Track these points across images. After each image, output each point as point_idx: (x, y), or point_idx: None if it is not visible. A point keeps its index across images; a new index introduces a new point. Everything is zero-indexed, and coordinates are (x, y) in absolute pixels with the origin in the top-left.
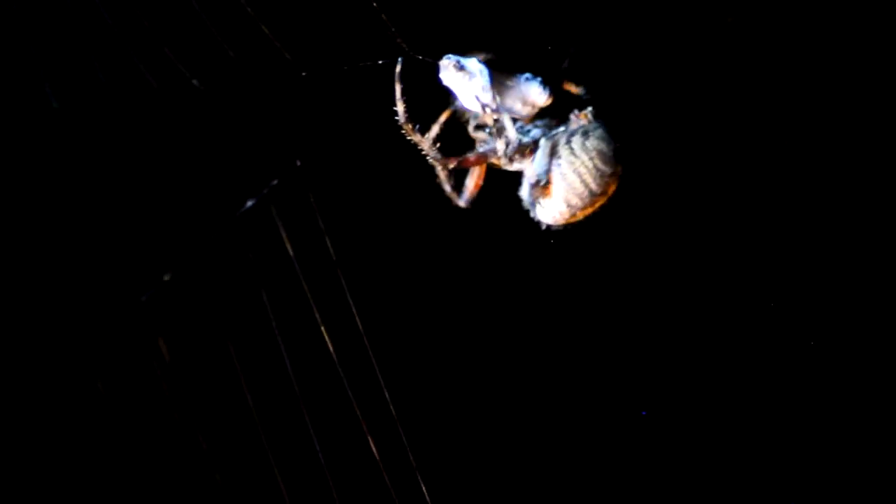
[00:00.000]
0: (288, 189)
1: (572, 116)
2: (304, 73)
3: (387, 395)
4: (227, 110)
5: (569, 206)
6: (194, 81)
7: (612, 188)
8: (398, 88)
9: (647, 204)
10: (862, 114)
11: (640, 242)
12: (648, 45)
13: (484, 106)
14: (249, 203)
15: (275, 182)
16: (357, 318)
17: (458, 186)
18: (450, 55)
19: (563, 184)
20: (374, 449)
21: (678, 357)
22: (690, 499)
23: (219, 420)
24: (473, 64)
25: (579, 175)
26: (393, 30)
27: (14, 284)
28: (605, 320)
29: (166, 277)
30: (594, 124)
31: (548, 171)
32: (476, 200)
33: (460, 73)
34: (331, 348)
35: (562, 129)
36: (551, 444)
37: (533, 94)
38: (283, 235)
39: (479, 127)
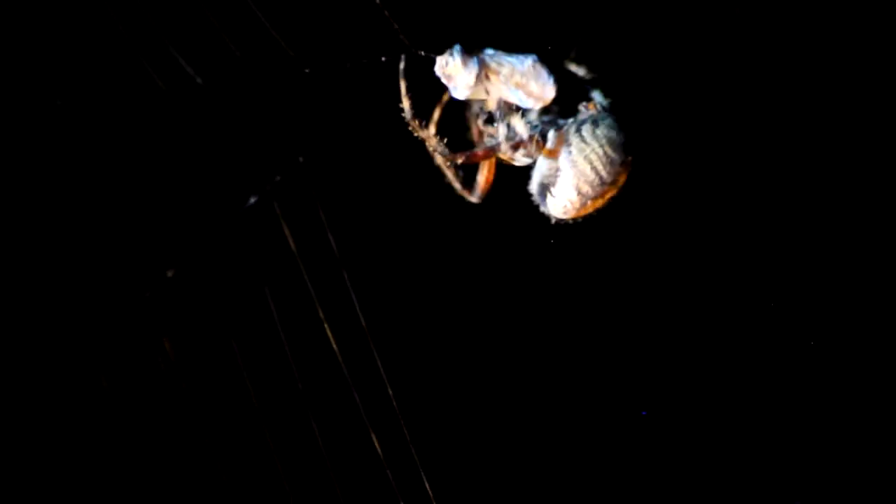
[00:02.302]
0: (291, 185)
1: (581, 107)
2: (307, 70)
3: (390, 392)
4: (230, 107)
5: (579, 194)
6: (198, 79)
7: (623, 178)
8: (403, 85)
9: (649, 203)
10: (863, 114)
11: (643, 241)
12: (654, 38)
13: (492, 99)
14: (252, 199)
15: (278, 178)
16: (360, 315)
17: (469, 182)
18: (451, 51)
19: (574, 171)
20: (377, 446)
21: (678, 357)
22: (690, 499)
23: (222, 417)
24: (461, 57)
25: (590, 162)
26: (396, 27)
27: (16, 281)
28: (606, 320)
29: (170, 273)
30: (603, 114)
31: (557, 163)
32: (489, 195)
33: (454, 66)
34: (334, 345)
35: (570, 119)
36: (551, 444)
37: (540, 84)
38: (286, 231)
39: (489, 120)
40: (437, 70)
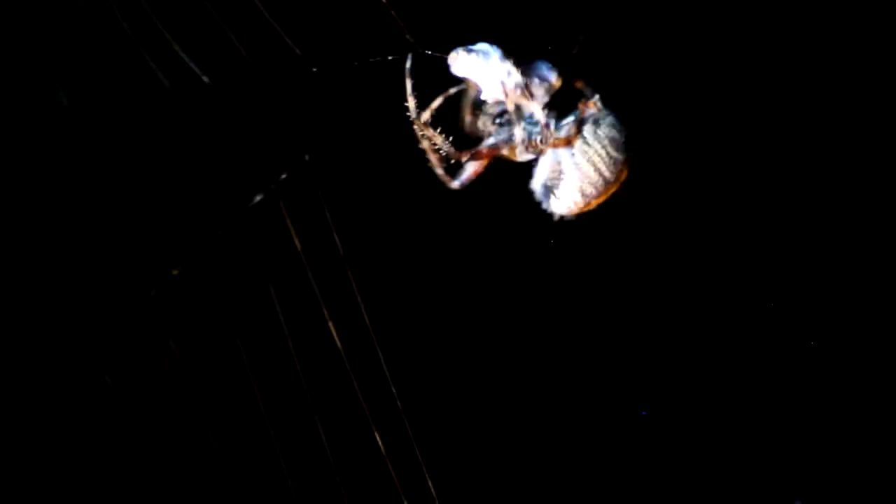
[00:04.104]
0: (296, 183)
1: (580, 106)
2: (314, 69)
3: (394, 390)
4: (236, 106)
5: (583, 195)
6: (204, 78)
7: (624, 175)
8: (409, 84)
9: (650, 201)
10: (863, 113)
11: (642, 241)
12: (656, 36)
13: (506, 86)
14: (258, 198)
15: (283, 176)
16: (365, 313)
17: (453, 169)
18: (458, 47)
19: (578, 173)
20: (380, 444)
21: (678, 357)
22: (690, 499)
23: (226, 415)
24: (483, 46)
25: (593, 164)
26: (402, 25)
27: (22, 279)
28: (605, 319)
29: (175, 272)
30: (604, 112)
31: (560, 162)
32: (470, 186)
33: (473, 58)
34: (338, 343)
35: (571, 118)
36: (552, 443)
37: (544, 72)
38: (292, 230)
39: (496, 118)
40: (460, 68)
